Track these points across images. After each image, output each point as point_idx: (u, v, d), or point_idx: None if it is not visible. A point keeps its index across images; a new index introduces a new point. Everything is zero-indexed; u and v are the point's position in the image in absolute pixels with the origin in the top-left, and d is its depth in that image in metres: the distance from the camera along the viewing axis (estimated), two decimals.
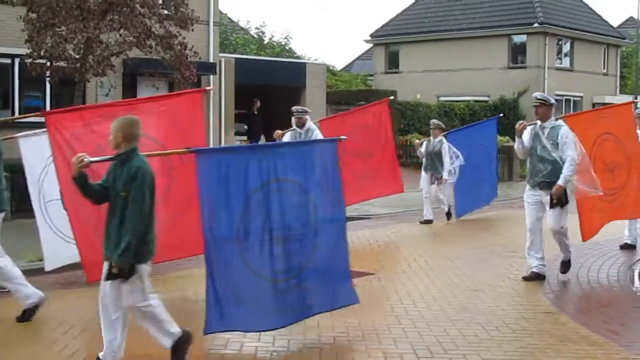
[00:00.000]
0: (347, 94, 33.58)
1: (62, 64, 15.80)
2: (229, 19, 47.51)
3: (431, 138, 15.53)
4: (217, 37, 25.53)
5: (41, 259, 9.78)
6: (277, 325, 7.03)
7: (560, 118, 10.17)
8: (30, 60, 15.65)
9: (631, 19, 57.12)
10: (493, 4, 41.53)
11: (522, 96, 37.11)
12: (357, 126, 14.01)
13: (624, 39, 46.17)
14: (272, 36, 50.79)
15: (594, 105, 42.41)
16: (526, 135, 9.82)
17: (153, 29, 15.92)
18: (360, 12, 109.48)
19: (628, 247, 12.23)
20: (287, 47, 49.40)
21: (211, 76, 24.60)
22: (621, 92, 45.59)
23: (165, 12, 16.79)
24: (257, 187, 6.86)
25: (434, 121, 15.96)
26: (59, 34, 15.12)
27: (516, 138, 9.80)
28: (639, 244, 12.28)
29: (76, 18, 14.95)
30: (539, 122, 9.79)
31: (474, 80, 38.94)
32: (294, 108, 13.01)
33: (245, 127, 27.05)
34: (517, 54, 40.49)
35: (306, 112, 12.94)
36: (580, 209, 9.96)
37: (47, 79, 17.04)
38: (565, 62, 41.68)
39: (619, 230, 12.97)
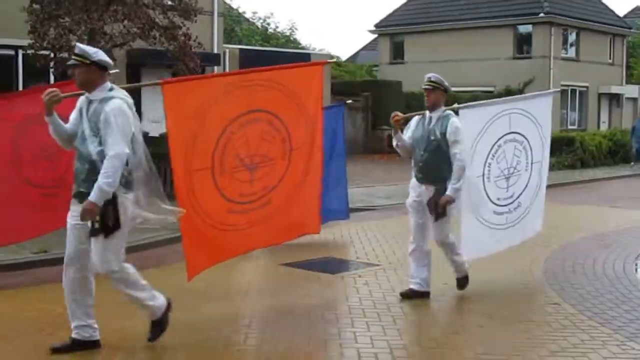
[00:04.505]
0: (352, 84, 33.53)
1: (65, 55, 15.77)
2: (237, 10, 47.52)
3: None
4: (221, 28, 25.50)
5: (45, 251, 9.71)
6: None
7: (158, 84, 6.75)
8: (32, 51, 15.62)
9: (637, 8, 56.97)
10: None
11: (527, 86, 36.97)
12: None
13: (631, 28, 45.99)
14: (277, 27, 50.88)
15: (599, 95, 42.31)
16: (74, 116, 6.37)
17: (157, 20, 15.88)
18: (365, 2, 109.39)
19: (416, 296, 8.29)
20: (291, 38, 49.46)
21: (215, 67, 24.58)
22: (627, 82, 45.47)
23: (169, 2, 16.75)
24: None
25: None
26: (63, 25, 15.08)
27: (46, 117, 6.18)
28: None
29: (80, 9, 14.90)
30: (86, 93, 6.35)
31: (479, 71, 38.81)
32: None
33: None
34: (523, 44, 40.38)
35: None
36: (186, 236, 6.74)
37: (51, 70, 17.01)
38: (571, 52, 41.54)
39: (623, 221, 12.92)
